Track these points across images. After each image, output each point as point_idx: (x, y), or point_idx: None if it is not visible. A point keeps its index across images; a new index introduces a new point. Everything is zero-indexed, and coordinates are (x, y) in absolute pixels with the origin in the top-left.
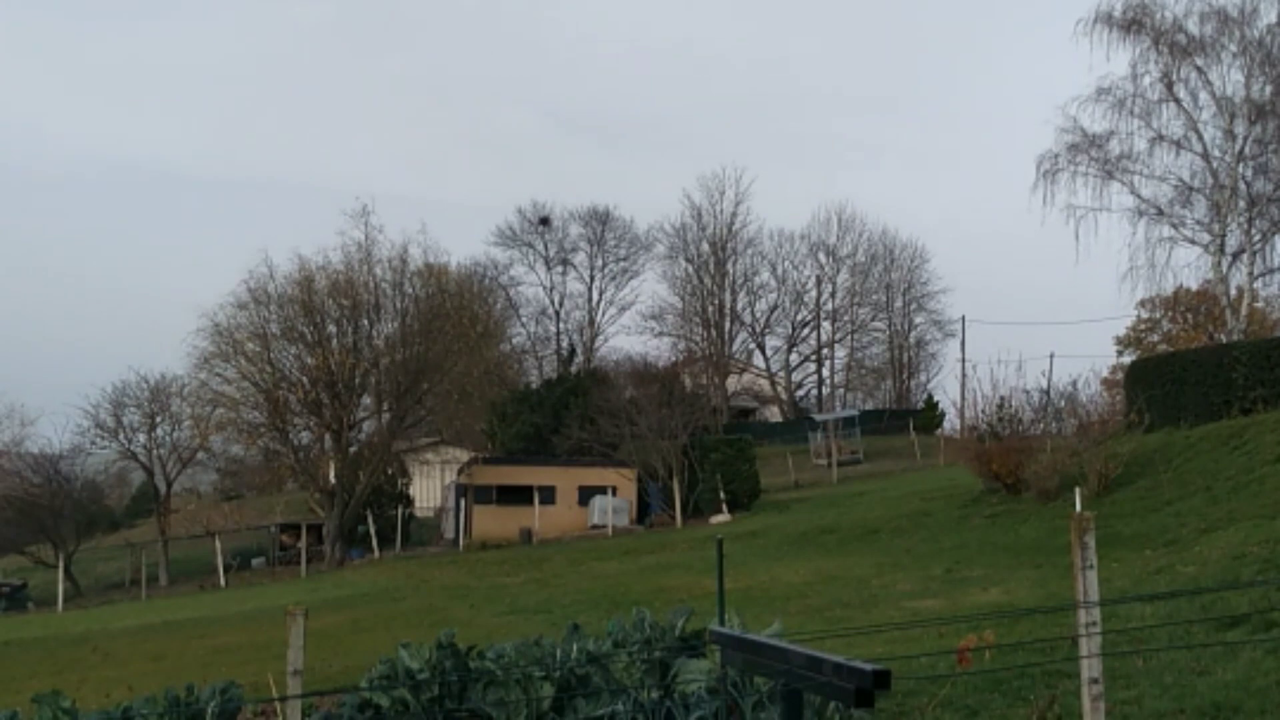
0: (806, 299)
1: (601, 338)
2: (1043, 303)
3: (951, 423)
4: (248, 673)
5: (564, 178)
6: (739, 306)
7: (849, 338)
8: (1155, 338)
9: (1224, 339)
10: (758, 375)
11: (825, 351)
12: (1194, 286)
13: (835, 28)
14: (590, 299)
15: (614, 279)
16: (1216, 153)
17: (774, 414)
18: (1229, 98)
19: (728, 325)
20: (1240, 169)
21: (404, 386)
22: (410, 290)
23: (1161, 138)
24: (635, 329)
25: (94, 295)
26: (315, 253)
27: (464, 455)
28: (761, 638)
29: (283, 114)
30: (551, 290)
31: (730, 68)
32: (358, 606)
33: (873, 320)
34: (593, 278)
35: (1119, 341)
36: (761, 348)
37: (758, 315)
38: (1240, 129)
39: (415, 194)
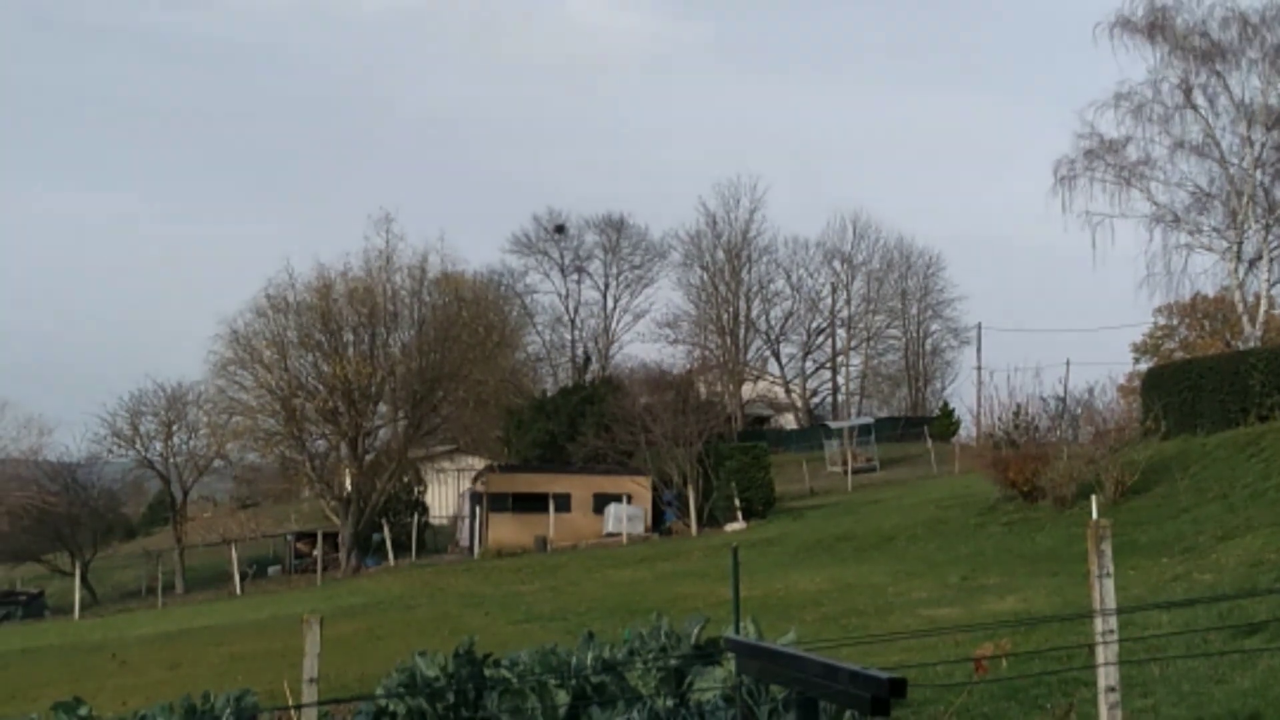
0: (821, 306)
1: (616, 345)
2: (1059, 309)
3: (967, 430)
4: (264, 680)
5: (579, 184)
6: (754, 314)
7: (864, 345)
8: (1172, 344)
9: (1241, 346)
10: (773, 383)
11: (840, 359)
12: (1211, 293)
13: (847, 29)
14: (605, 306)
15: (629, 286)
16: (1234, 159)
17: (789, 421)
18: (1247, 104)
19: (742, 333)
20: (1258, 175)
21: (420, 394)
22: (428, 298)
23: (1179, 144)
24: (650, 336)
25: (111, 304)
26: (336, 258)
27: (479, 463)
28: (777, 646)
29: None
30: (567, 298)
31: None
32: (373, 614)
33: (888, 327)
34: (608, 285)
35: (1136, 348)
36: (776, 355)
37: (772, 322)
38: (1258, 135)
39: (431, 200)
